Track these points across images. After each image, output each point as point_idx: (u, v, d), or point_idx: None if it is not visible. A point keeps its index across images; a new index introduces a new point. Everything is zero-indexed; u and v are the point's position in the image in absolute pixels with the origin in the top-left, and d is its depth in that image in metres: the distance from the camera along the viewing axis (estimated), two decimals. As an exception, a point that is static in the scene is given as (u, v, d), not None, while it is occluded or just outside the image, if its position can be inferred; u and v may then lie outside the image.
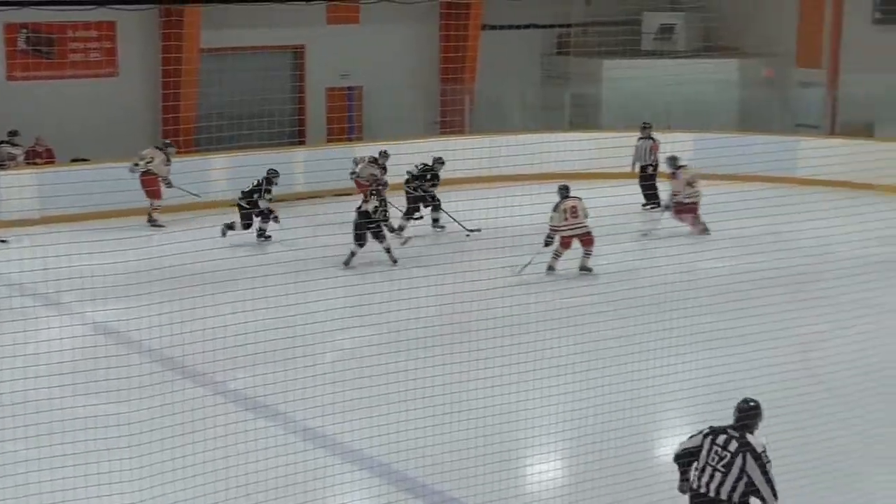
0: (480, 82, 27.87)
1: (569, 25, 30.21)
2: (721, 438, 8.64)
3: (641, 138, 24.01)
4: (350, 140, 27.23)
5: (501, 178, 23.89)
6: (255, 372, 12.53)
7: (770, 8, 28.24)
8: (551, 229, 18.71)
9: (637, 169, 23.88)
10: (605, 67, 28.54)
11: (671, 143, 23.90)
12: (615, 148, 22.40)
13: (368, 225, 18.73)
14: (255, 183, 20.47)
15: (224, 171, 22.83)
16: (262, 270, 15.99)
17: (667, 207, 21.34)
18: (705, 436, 8.74)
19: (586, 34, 28.75)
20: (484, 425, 11.49)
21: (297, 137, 26.50)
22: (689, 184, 20.90)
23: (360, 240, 18.86)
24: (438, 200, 21.69)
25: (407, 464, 11.01)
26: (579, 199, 18.78)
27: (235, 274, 17.25)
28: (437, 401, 11.15)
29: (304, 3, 24.69)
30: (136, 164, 21.93)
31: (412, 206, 21.40)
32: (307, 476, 10.38)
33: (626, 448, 11.22)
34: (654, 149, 23.66)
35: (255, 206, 20.37)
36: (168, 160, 22.29)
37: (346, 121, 27.43)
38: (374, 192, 19.28)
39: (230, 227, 20.37)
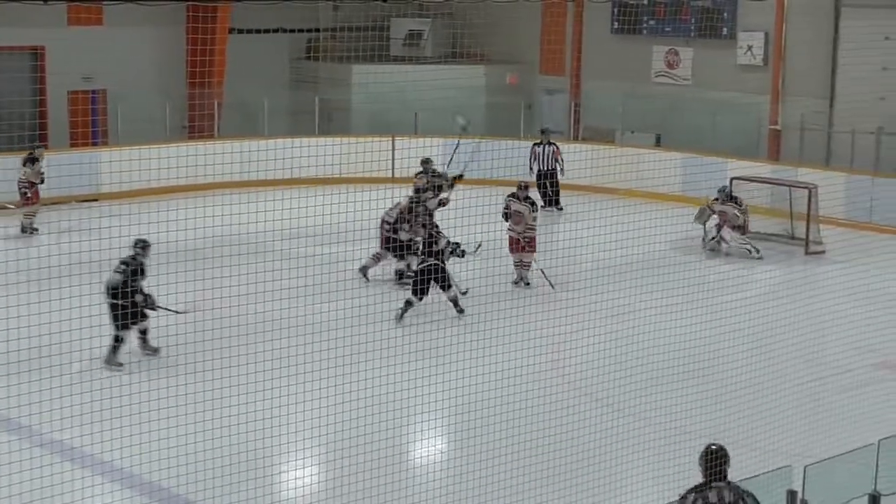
0: (229, 86, 27.56)
1: (317, 30, 30.20)
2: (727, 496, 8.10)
3: (542, 143, 24.83)
4: (95, 144, 26.50)
5: (252, 183, 23.73)
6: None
7: (514, 16, 28.82)
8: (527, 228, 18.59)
9: (535, 174, 24.40)
10: (354, 72, 28.71)
11: (420, 149, 24.18)
12: (364, 153, 22.49)
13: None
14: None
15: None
16: (4, 279, 15.41)
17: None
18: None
19: (335, 39, 28.76)
20: (238, 433, 11.37)
21: (39, 142, 25.59)
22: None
23: (423, 292, 16.53)
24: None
25: (160, 474, 10.80)
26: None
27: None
28: (190, 409, 10.95)
29: (43, 3, 24.00)
30: None
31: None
32: (55, 490, 10.03)
33: (378, 453, 11.30)
34: (556, 154, 24.63)
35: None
36: (24, 163, 21.83)
37: (90, 125, 26.67)
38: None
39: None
